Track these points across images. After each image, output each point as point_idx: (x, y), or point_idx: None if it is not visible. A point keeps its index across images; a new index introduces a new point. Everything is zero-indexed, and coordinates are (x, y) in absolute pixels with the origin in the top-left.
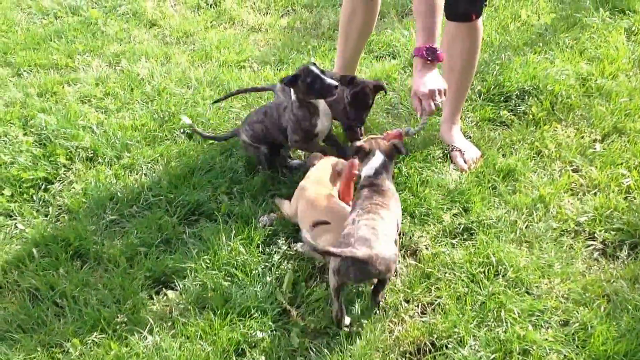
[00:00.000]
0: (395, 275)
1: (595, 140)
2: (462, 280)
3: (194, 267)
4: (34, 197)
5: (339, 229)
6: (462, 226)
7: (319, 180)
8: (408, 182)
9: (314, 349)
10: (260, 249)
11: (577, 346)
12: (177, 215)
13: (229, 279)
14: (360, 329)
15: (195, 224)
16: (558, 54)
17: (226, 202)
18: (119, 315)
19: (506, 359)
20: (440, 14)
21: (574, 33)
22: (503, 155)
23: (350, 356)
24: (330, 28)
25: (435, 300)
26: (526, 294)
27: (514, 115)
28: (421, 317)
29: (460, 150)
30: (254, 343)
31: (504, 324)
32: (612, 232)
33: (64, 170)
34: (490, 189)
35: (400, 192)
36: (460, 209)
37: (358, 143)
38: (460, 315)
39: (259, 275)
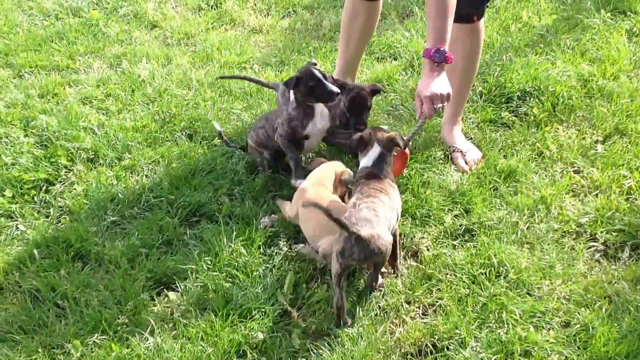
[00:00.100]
0: (396, 276)
1: (596, 142)
2: (463, 282)
3: (195, 269)
4: (35, 199)
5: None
6: (463, 227)
7: (320, 182)
8: (409, 183)
9: (315, 351)
10: (262, 250)
11: (579, 347)
12: (178, 217)
13: (230, 280)
14: (361, 330)
15: (196, 225)
16: (559, 55)
17: (227, 203)
18: (120, 316)
19: None
20: (452, 16)
21: (575, 34)
22: (504, 156)
23: (351, 357)
24: (331, 29)
25: (437, 302)
26: (527, 295)
27: (515, 116)
28: (422, 318)
29: (461, 151)
30: (255, 344)
31: (505, 325)
32: (613, 233)
33: (65, 172)
34: (492, 190)
35: (401, 193)
36: (462, 210)
37: (359, 133)
38: (462, 317)
39: (260, 276)
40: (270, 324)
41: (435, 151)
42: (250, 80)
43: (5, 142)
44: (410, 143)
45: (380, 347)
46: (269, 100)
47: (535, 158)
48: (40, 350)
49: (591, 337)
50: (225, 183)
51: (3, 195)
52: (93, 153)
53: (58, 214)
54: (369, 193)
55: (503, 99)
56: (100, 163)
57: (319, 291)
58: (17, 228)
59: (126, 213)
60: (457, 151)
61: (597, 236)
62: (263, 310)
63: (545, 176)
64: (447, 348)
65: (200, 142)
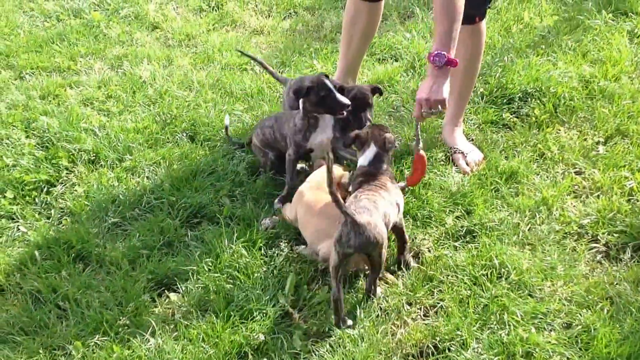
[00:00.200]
0: (397, 277)
1: (598, 143)
2: (465, 283)
3: (196, 270)
4: (36, 200)
5: None
6: (465, 229)
7: (319, 185)
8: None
9: (316, 352)
10: (263, 251)
11: (580, 349)
12: (179, 218)
13: (231, 281)
14: (362, 331)
15: (197, 226)
16: (561, 56)
17: (228, 204)
18: (121, 317)
19: None
20: (459, 20)
21: (576, 35)
22: (506, 157)
23: (353, 359)
24: (332, 31)
25: (438, 303)
26: (529, 297)
27: (517, 117)
28: (424, 319)
29: (462, 152)
30: (256, 346)
31: (507, 326)
32: (615, 235)
33: (66, 173)
34: (493, 191)
35: (402, 194)
36: (463, 211)
37: (356, 132)
38: (463, 318)
39: (261, 277)
40: (272, 325)
41: (436, 152)
42: (265, 67)
43: (6, 143)
44: (421, 145)
45: (382, 349)
46: (270, 101)
47: (536, 159)
48: (41, 351)
49: (593, 339)
50: (226, 184)
51: (4, 197)
52: (94, 154)
53: (59, 215)
54: (370, 189)
55: (504, 100)
56: (101, 164)
57: (320, 292)
58: (18, 229)
59: (127, 214)
60: (459, 152)
61: (598, 237)
62: (264, 311)
63: (547, 177)
64: (449, 349)
65: (202, 143)
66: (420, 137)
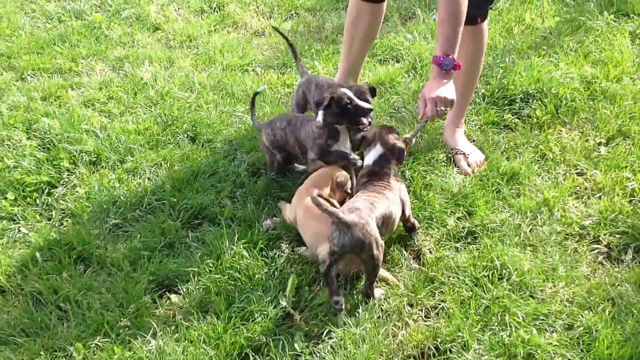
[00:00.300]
0: (399, 278)
1: (599, 144)
2: (466, 284)
3: (197, 271)
4: (38, 201)
5: None
6: (466, 230)
7: (317, 186)
8: (411, 186)
9: (318, 353)
10: (264, 252)
11: (582, 350)
12: (180, 219)
13: (232, 282)
14: (363, 332)
15: (199, 227)
16: (562, 57)
17: (229, 206)
18: (122, 319)
19: None
20: (463, 23)
21: (578, 36)
22: (507, 158)
23: None
24: (333, 32)
25: (439, 304)
26: (530, 298)
27: (518, 118)
28: (425, 321)
29: (464, 153)
30: (257, 347)
31: (508, 327)
32: (616, 236)
33: (68, 174)
34: (494, 192)
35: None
36: (464, 212)
37: (362, 133)
38: (464, 319)
39: (262, 279)
40: (273, 327)
41: (437, 153)
42: (292, 48)
43: (7, 144)
44: (414, 140)
45: (383, 350)
46: (271, 102)
47: (538, 160)
48: (42, 353)
49: (594, 340)
50: (228, 185)
51: (5, 198)
52: (95, 156)
53: (60, 217)
54: (373, 189)
55: (506, 101)
56: (103, 166)
57: (321, 294)
58: (19, 231)
59: (128, 216)
60: (460, 153)
61: (600, 238)
62: (265, 313)
63: (548, 178)
64: (450, 351)
65: (203, 144)
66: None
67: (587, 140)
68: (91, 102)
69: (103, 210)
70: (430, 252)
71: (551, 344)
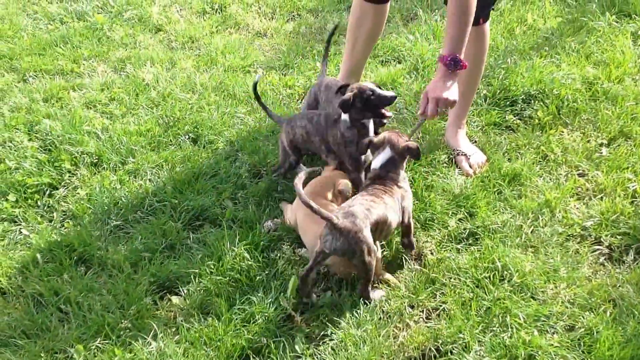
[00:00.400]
0: (400, 280)
1: (601, 145)
2: (467, 286)
3: (198, 273)
4: (39, 203)
5: None
6: (467, 231)
7: (318, 192)
8: (413, 187)
9: (318, 355)
10: (265, 254)
11: (583, 351)
12: (182, 221)
13: (233, 284)
14: (364, 334)
15: (200, 229)
16: (564, 58)
17: (230, 207)
18: (123, 320)
19: None
20: (471, 24)
21: (580, 37)
22: (509, 159)
23: None
24: (335, 33)
25: (440, 306)
26: (532, 299)
27: (520, 119)
28: (426, 322)
29: (465, 154)
30: (258, 349)
31: (509, 329)
32: (618, 237)
33: (69, 176)
34: (496, 193)
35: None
36: (466, 213)
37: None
38: (465, 321)
39: (263, 280)
40: (274, 329)
41: (439, 154)
42: (331, 37)
43: (9, 146)
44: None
45: (384, 352)
46: (273, 104)
47: (539, 161)
48: (42, 354)
49: (595, 341)
50: (229, 187)
51: (6, 200)
52: (97, 157)
53: (61, 219)
54: (373, 192)
55: (507, 102)
56: (104, 167)
57: (322, 295)
58: (21, 232)
59: (129, 217)
60: (461, 154)
61: (601, 240)
62: (266, 314)
63: (550, 179)
64: (451, 352)
65: (204, 146)
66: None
67: (588, 141)
68: (93, 103)
69: (104, 211)
70: (432, 254)
71: (552, 345)
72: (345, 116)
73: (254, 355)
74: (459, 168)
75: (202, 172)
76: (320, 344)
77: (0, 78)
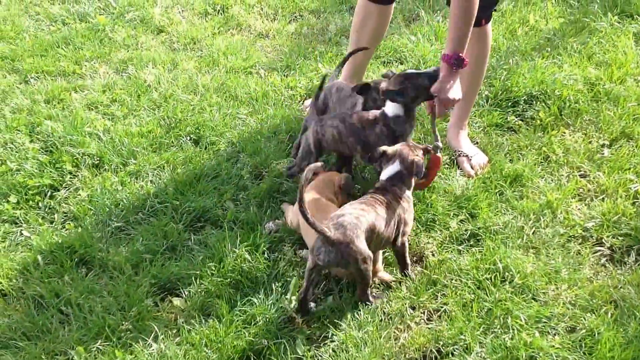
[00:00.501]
0: (400, 283)
1: (603, 146)
2: (469, 287)
3: (199, 274)
4: (40, 204)
5: None
6: (469, 232)
7: (319, 191)
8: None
9: (319, 357)
10: (266, 255)
11: (584, 353)
12: (183, 222)
13: (234, 286)
14: (365, 335)
15: (201, 230)
16: (566, 58)
17: (232, 208)
18: (123, 322)
19: None
20: (472, 23)
21: (582, 38)
22: (510, 160)
23: None
24: (337, 34)
25: (442, 307)
26: (533, 301)
27: (522, 120)
28: (427, 323)
29: (467, 155)
30: (259, 351)
31: (511, 330)
32: (619, 238)
33: (70, 177)
34: (497, 194)
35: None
36: (467, 215)
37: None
38: (467, 322)
39: (264, 282)
40: (275, 330)
41: (441, 155)
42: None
43: (10, 147)
44: (440, 144)
45: (385, 353)
46: (275, 105)
47: (541, 162)
48: (43, 356)
49: (597, 343)
50: (230, 188)
51: (8, 201)
52: (98, 159)
53: (62, 220)
54: (365, 201)
55: (509, 103)
56: (105, 169)
57: (323, 297)
58: (22, 234)
59: (131, 219)
60: (463, 155)
61: (603, 241)
62: (267, 316)
63: (552, 180)
64: (452, 354)
65: (206, 147)
66: (439, 137)
67: (590, 142)
68: (94, 104)
69: (105, 213)
70: (433, 255)
71: (553, 346)
72: (394, 110)
73: (255, 357)
74: (461, 169)
75: (204, 173)
76: (322, 345)
77: (2, 79)
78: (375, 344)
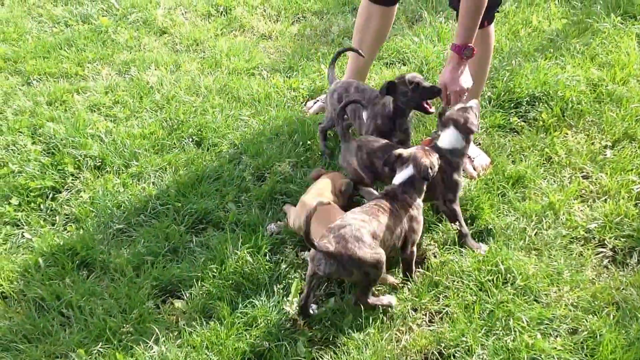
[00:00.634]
0: (403, 286)
1: (605, 147)
2: (471, 289)
3: (201, 276)
4: (41, 206)
5: None
6: (471, 233)
7: (320, 194)
8: None
9: (321, 359)
10: (268, 257)
11: (586, 355)
12: (185, 224)
13: (235, 288)
14: (367, 337)
15: (203, 232)
16: (569, 59)
17: (234, 210)
18: (124, 325)
19: None
20: (481, 15)
21: (585, 38)
22: (513, 161)
23: None
24: (340, 35)
25: (443, 309)
26: (535, 302)
27: (524, 121)
28: (429, 325)
29: (469, 157)
30: (260, 353)
31: (512, 332)
32: (622, 239)
33: (72, 179)
34: (500, 196)
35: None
36: (469, 216)
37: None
38: (468, 324)
39: (265, 284)
40: (276, 332)
41: None
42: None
43: (12, 149)
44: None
45: (386, 355)
46: (277, 106)
47: (543, 163)
48: (44, 359)
49: (598, 344)
50: (232, 190)
51: (9, 203)
52: (100, 160)
53: (64, 222)
54: (370, 211)
55: (512, 104)
56: (107, 170)
57: (325, 298)
58: (23, 236)
59: (132, 220)
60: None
61: (605, 242)
62: (268, 318)
63: (554, 182)
64: (454, 356)
65: (208, 149)
66: None
67: (593, 143)
68: (97, 106)
69: (107, 215)
70: (435, 257)
71: (555, 348)
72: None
73: (256, 359)
74: (463, 170)
75: (206, 175)
76: (323, 347)
77: (5, 81)
78: (376, 346)
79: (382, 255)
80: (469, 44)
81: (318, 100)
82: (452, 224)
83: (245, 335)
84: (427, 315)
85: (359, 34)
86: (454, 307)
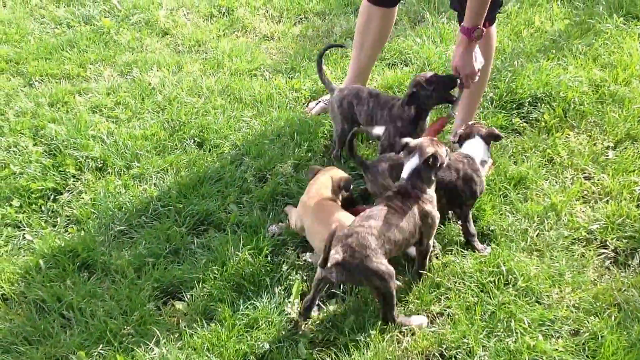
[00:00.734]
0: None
1: (607, 147)
2: (472, 290)
3: (202, 278)
4: (43, 208)
5: None
6: None
7: (320, 194)
8: None
9: None
10: (269, 258)
11: (588, 356)
12: (186, 225)
13: (236, 289)
14: (368, 339)
15: (204, 234)
16: (571, 60)
17: (235, 211)
18: (125, 326)
19: None
20: None
21: (587, 39)
22: (514, 162)
23: None
24: (342, 36)
25: (445, 310)
26: (536, 304)
27: (526, 122)
28: (430, 327)
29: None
30: (261, 354)
31: (514, 334)
32: (623, 240)
33: (73, 181)
34: (501, 197)
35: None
36: (471, 217)
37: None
38: (470, 325)
39: (267, 285)
40: (277, 334)
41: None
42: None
43: (14, 151)
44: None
45: (387, 357)
46: (279, 107)
47: (545, 164)
48: None
49: (600, 346)
50: (234, 191)
51: (10, 205)
52: (101, 162)
53: (65, 224)
54: (378, 214)
55: (514, 105)
56: (109, 172)
57: (325, 300)
58: (24, 238)
59: (134, 222)
60: None
61: (607, 243)
62: (270, 319)
63: (556, 182)
64: (455, 357)
65: (210, 150)
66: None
67: (595, 144)
68: (98, 107)
69: (108, 216)
70: (437, 258)
71: (557, 349)
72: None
73: None
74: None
75: (207, 176)
76: (324, 349)
77: (7, 82)
78: (378, 348)
79: (388, 267)
80: (479, 26)
81: (320, 101)
82: (461, 224)
83: (246, 336)
84: (429, 316)
85: (359, 36)
86: (456, 308)
